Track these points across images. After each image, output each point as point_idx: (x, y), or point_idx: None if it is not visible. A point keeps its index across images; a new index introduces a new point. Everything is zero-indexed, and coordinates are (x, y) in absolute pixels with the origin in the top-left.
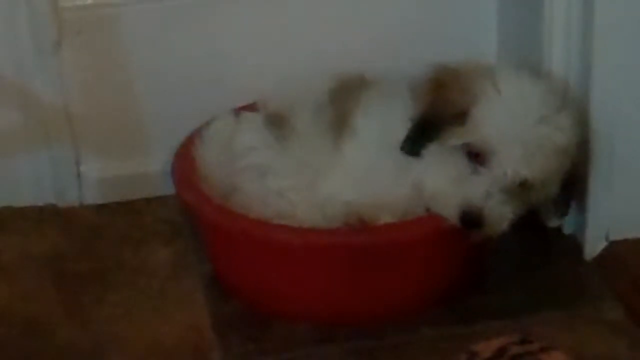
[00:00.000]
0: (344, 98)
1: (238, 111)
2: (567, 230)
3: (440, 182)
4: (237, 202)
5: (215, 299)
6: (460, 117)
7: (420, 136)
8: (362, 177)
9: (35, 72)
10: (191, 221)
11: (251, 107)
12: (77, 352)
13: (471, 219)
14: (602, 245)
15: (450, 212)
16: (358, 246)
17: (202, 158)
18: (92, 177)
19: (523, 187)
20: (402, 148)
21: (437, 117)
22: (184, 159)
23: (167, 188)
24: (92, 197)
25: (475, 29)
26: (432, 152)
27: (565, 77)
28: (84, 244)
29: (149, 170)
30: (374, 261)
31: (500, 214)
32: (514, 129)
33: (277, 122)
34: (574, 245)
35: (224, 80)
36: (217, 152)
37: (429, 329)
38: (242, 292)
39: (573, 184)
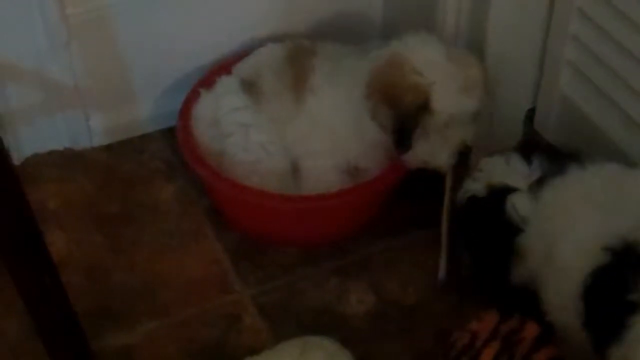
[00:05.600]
0: (298, 62)
1: (212, 76)
2: None
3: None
4: (227, 161)
5: (221, 231)
6: (424, 105)
7: (404, 137)
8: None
9: (51, 63)
10: (180, 160)
11: (222, 68)
12: (132, 291)
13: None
14: None
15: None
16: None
17: (197, 134)
18: (98, 126)
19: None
20: (398, 152)
21: (407, 119)
22: (185, 136)
23: (152, 127)
24: (99, 140)
25: None
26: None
27: (457, 25)
28: (106, 185)
29: (139, 116)
30: (331, 212)
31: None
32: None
33: (249, 87)
34: None
35: (190, 50)
36: (206, 127)
37: (380, 242)
38: (242, 227)
39: None
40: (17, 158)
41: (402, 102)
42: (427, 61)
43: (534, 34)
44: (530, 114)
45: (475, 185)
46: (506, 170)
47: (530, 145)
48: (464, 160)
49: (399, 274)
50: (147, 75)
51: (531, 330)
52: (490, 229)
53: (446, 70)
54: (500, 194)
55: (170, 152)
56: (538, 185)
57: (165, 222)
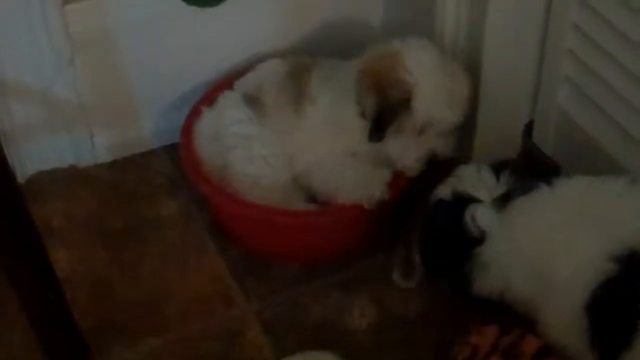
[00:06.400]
0: (298, 78)
1: (214, 93)
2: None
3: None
4: (229, 174)
5: (223, 247)
6: (406, 102)
7: (380, 127)
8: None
9: (55, 81)
10: (183, 176)
11: (223, 84)
12: (136, 306)
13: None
14: None
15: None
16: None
17: (199, 150)
18: (102, 143)
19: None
20: (370, 139)
21: (388, 110)
22: (188, 152)
23: (154, 144)
24: (102, 157)
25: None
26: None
27: (456, 35)
28: (110, 202)
29: (142, 132)
30: (331, 228)
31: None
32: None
33: (252, 101)
34: None
35: (191, 68)
36: (208, 142)
37: (381, 256)
38: (244, 242)
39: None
40: (21, 175)
41: (386, 93)
42: (420, 63)
43: (531, 47)
44: (530, 127)
45: (444, 190)
46: (474, 180)
47: (508, 160)
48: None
49: (401, 287)
50: (150, 93)
51: (531, 344)
52: (446, 234)
53: (435, 77)
54: (462, 202)
55: (174, 168)
56: (502, 200)
57: (168, 238)
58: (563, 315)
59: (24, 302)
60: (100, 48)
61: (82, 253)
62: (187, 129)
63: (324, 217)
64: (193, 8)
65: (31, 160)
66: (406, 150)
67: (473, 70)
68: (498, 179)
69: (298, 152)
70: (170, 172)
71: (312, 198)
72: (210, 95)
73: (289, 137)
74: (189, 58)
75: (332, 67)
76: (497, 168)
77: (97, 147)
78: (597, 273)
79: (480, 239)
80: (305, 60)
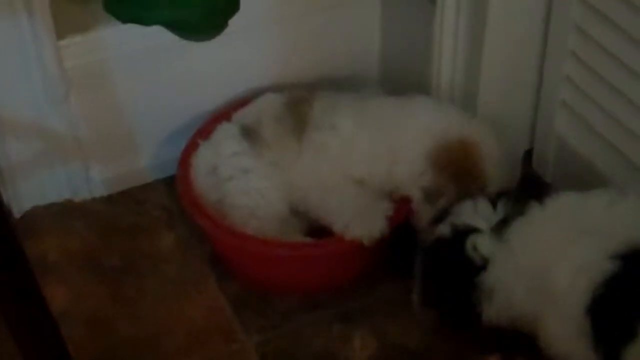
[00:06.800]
0: (297, 109)
1: (210, 125)
2: None
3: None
4: (226, 207)
5: (223, 280)
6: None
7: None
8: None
9: (50, 115)
10: (181, 209)
11: (219, 117)
12: (135, 342)
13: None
14: None
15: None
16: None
17: (196, 183)
18: (98, 177)
19: None
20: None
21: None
22: (185, 185)
23: (151, 177)
24: (99, 191)
25: (358, 43)
26: None
27: (452, 90)
28: (107, 236)
29: (139, 166)
30: (331, 260)
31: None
32: None
33: (250, 133)
34: None
35: (187, 101)
36: (205, 175)
37: (382, 286)
38: (244, 275)
39: None
40: (17, 211)
41: (469, 185)
42: (491, 152)
43: (528, 75)
44: (529, 155)
45: (443, 228)
46: (472, 213)
47: (504, 190)
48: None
49: (402, 318)
50: (147, 126)
51: None
52: (450, 267)
53: (499, 164)
54: (462, 234)
55: (171, 200)
56: (501, 226)
57: (167, 272)
58: (564, 324)
59: (19, 341)
60: (96, 82)
61: (79, 289)
62: (184, 162)
63: (323, 248)
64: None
65: (27, 195)
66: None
67: (470, 98)
68: (495, 208)
69: (298, 180)
70: (167, 205)
71: (310, 230)
72: (206, 127)
73: (289, 165)
74: (184, 91)
75: (333, 98)
76: (494, 199)
77: (94, 181)
78: (592, 278)
79: (483, 266)
80: (302, 93)
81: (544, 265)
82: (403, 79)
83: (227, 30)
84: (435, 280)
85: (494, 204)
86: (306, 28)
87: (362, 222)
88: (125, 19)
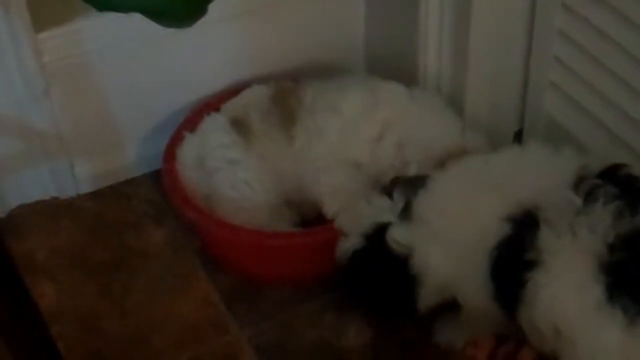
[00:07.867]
0: (285, 100)
1: (196, 117)
2: None
3: None
4: (214, 199)
5: (213, 273)
6: None
7: None
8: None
9: (31, 112)
10: (169, 202)
11: (204, 108)
12: (126, 338)
13: None
14: None
15: None
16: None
17: (183, 175)
18: (84, 174)
19: None
20: None
21: None
22: (171, 179)
23: (137, 171)
24: (85, 188)
25: (343, 31)
26: None
27: (439, 74)
28: (94, 233)
29: (124, 160)
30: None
31: None
32: None
33: (238, 124)
34: None
35: (172, 92)
36: (192, 168)
37: None
38: (234, 267)
39: None
40: (2, 210)
41: None
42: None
43: (516, 55)
44: (519, 135)
45: (348, 243)
46: (371, 212)
47: (393, 178)
48: None
49: None
50: (131, 119)
51: (527, 355)
52: (382, 271)
53: None
54: (377, 235)
55: (159, 195)
56: (405, 211)
57: (156, 267)
58: (474, 281)
59: (9, 342)
60: (77, 76)
61: (68, 287)
62: (170, 155)
63: (312, 237)
64: (171, 31)
65: (12, 194)
66: None
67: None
68: (391, 197)
69: (291, 168)
70: (155, 200)
71: (303, 222)
72: (191, 119)
73: (279, 156)
74: (168, 83)
75: (322, 84)
76: (387, 189)
77: (79, 177)
78: (494, 235)
79: (409, 254)
80: (288, 84)
81: (453, 227)
82: (389, 66)
83: (210, 20)
84: (376, 293)
85: (389, 194)
86: (291, 17)
87: (349, 217)
88: (102, 7)
